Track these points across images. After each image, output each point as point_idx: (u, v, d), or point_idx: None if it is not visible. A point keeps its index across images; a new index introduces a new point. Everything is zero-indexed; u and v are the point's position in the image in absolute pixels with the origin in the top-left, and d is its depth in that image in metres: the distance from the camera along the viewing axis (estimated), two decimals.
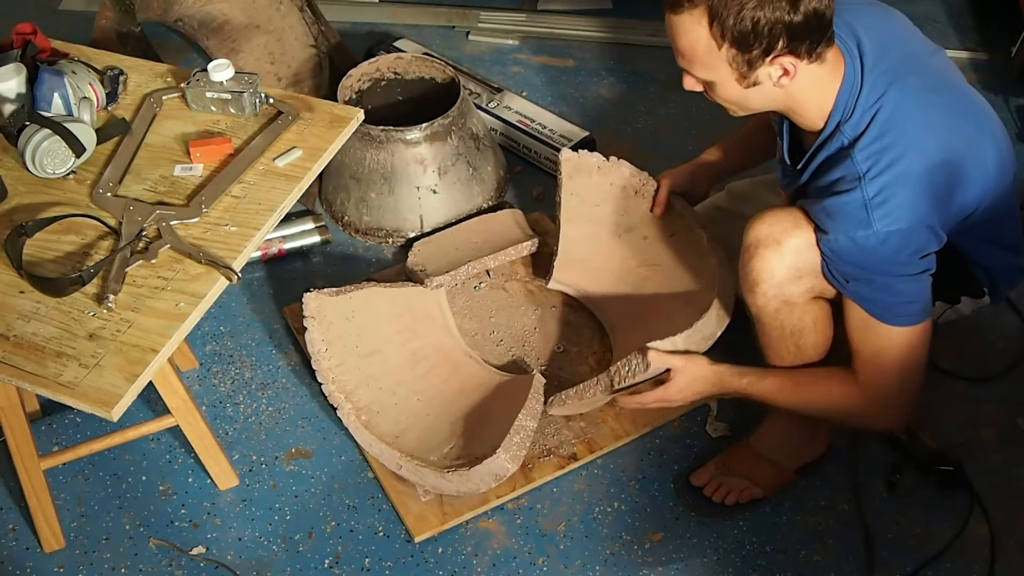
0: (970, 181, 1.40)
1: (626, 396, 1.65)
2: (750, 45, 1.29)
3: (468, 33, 2.88)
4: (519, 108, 2.45)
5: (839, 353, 1.54)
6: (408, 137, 2.08)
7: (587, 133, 2.38)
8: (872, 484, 1.73)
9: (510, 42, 2.85)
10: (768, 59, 1.31)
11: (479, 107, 2.45)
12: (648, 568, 1.64)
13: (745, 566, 1.64)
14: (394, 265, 2.16)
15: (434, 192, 2.15)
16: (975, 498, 1.69)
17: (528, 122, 2.41)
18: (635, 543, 1.67)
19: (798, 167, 1.48)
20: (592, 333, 1.98)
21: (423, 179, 2.14)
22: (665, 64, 2.75)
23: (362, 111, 1.63)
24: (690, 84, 1.42)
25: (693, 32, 1.31)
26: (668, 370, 1.60)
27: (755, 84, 1.35)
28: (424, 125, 2.08)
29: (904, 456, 1.74)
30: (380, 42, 2.70)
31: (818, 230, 1.40)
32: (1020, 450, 1.78)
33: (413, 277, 2.05)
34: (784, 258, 1.43)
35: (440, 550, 1.67)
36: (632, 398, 1.65)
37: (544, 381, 1.76)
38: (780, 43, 1.29)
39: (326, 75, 2.41)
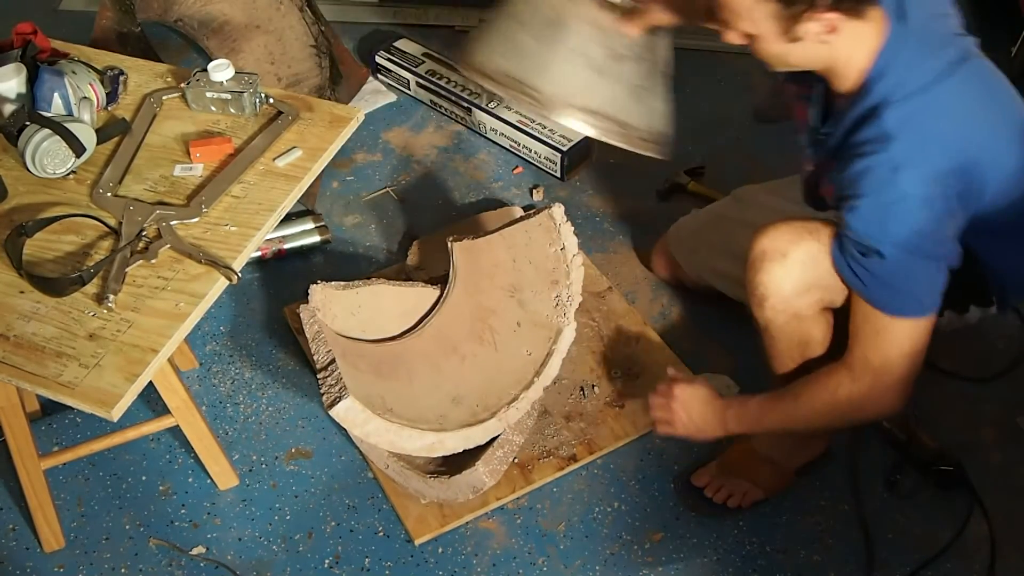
0: (988, 172, 1.38)
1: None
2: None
3: (468, 33, 2.88)
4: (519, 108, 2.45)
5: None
6: None
7: None
8: (872, 484, 1.73)
9: None
10: (812, 14, 1.29)
11: (479, 107, 2.46)
12: (648, 568, 1.64)
13: (745, 566, 1.64)
14: (393, 264, 2.16)
15: (597, 72, 1.66)
16: (975, 498, 1.69)
17: (528, 122, 2.40)
18: (635, 543, 1.67)
19: (828, 132, 1.46)
20: (592, 334, 1.98)
21: (593, 49, 1.65)
22: None
23: (362, 112, 1.63)
24: (730, 37, 1.40)
25: None
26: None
27: (797, 39, 1.33)
28: None
29: (904, 456, 1.74)
30: (380, 42, 2.70)
31: (841, 203, 1.38)
32: (1020, 450, 1.78)
33: (413, 276, 2.06)
34: (790, 271, 1.43)
35: (440, 550, 1.67)
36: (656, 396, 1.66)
37: (541, 394, 1.76)
38: None
39: (326, 75, 2.41)
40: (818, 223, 1.46)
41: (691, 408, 1.61)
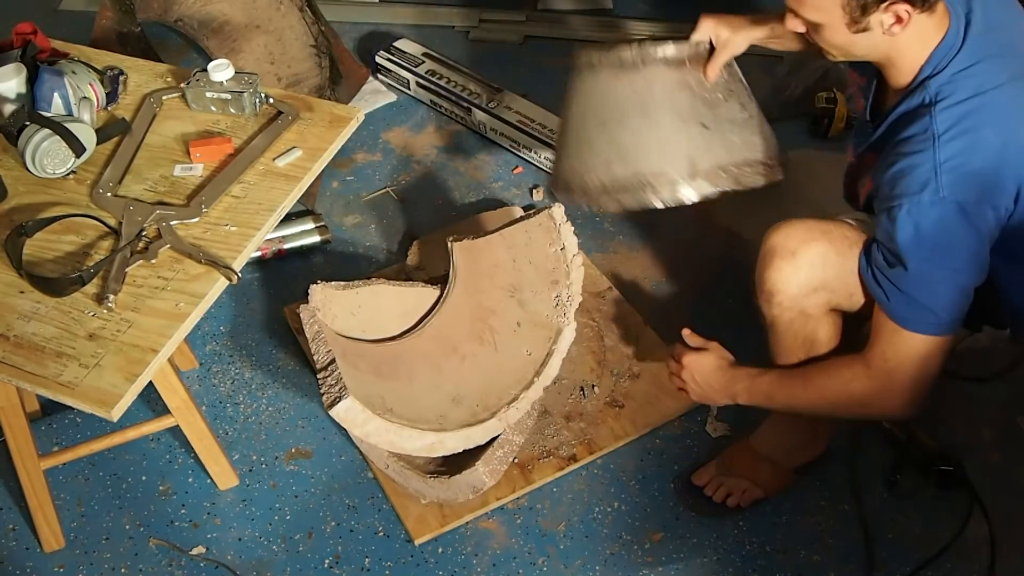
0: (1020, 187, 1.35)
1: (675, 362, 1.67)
2: None
3: (468, 33, 2.88)
4: (519, 108, 2.45)
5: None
6: (669, 55, 1.59)
7: None
8: (872, 484, 1.73)
9: (510, 42, 2.85)
10: (884, 5, 1.29)
11: (479, 107, 2.46)
12: (648, 568, 1.64)
13: (745, 566, 1.64)
14: (393, 264, 2.16)
15: (706, 128, 1.62)
16: (975, 498, 1.69)
17: (528, 122, 2.41)
18: (635, 543, 1.67)
19: (875, 124, 1.45)
20: (592, 334, 1.98)
21: (691, 109, 1.60)
22: None
23: (362, 112, 1.63)
24: (793, 24, 1.38)
25: None
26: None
27: (865, 30, 1.32)
28: (685, 41, 1.62)
29: (904, 456, 1.74)
30: (380, 42, 2.71)
31: (876, 204, 1.37)
32: (1020, 450, 1.78)
33: (413, 276, 2.06)
34: (799, 271, 1.43)
35: (440, 550, 1.67)
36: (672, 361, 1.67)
37: (541, 394, 1.76)
38: None
39: (326, 75, 2.41)
40: (834, 224, 1.46)
41: (699, 375, 1.61)
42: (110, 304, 1.30)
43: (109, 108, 1.64)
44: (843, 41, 1.36)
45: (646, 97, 1.56)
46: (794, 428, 1.68)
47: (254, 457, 1.81)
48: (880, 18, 1.30)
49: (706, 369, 1.61)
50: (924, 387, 1.43)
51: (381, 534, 1.69)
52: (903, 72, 1.38)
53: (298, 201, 1.56)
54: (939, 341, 1.39)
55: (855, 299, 1.45)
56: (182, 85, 1.63)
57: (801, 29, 1.39)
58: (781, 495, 1.72)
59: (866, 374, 1.43)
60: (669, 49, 1.56)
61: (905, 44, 1.34)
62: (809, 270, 1.43)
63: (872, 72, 1.46)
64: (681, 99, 1.56)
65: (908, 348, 1.39)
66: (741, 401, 1.58)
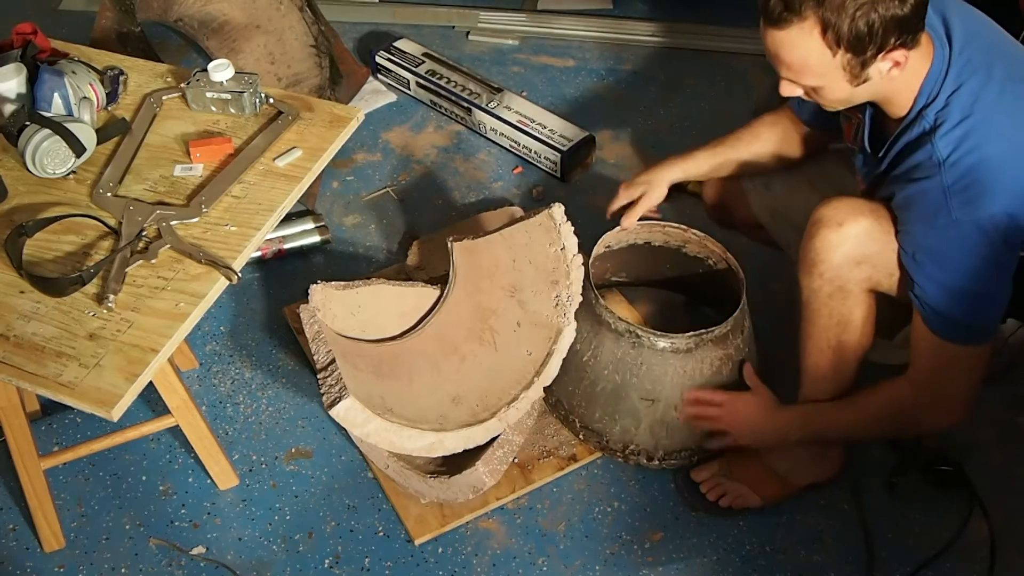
0: None
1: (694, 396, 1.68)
2: (865, 47, 1.29)
3: (468, 33, 2.88)
4: (519, 108, 2.45)
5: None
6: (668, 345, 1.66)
7: (587, 133, 2.39)
8: (872, 484, 1.73)
9: (510, 42, 2.85)
10: (881, 55, 1.31)
11: (479, 107, 2.46)
12: (648, 568, 1.64)
13: (745, 566, 1.64)
14: (393, 264, 2.16)
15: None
16: (975, 498, 1.69)
17: (528, 122, 2.41)
18: (635, 543, 1.67)
19: (879, 155, 1.47)
20: None
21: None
22: (665, 64, 2.75)
23: (362, 112, 1.63)
24: (789, 91, 1.40)
25: (803, 44, 1.30)
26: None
27: (865, 81, 1.34)
28: (695, 334, 1.66)
29: (904, 457, 1.74)
30: (380, 42, 2.71)
31: (898, 224, 1.40)
32: (1020, 450, 1.78)
33: (413, 276, 2.06)
34: (844, 240, 1.44)
35: (440, 550, 1.67)
36: (695, 399, 1.67)
37: (542, 394, 1.76)
38: (892, 38, 1.29)
39: (326, 75, 2.41)
40: (883, 206, 1.46)
41: (743, 417, 1.65)
42: (110, 304, 1.30)
43: (109, 108, 1.64)
44: (845, 96, 1.38)
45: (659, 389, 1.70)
46: (807, 447, 1.67)
47: (254, 457, 1.81)
48: (879, 67, 1.33)
49: (753, 411, 1.64)
50: (970, 396, 1.47)
51: (381, 534, 1.69)
52: (900, 106, 1.40)
53: (298, 201, 1.56)
54: (977, 350, 1.42)
55: (895, 279, 1.47)
56: (182, 85, 1.63)
57: (799, 93, 1.40)
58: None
59: (912, 389, 1.47)
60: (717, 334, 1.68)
61: (901, 82, 1.37)
62: (855, 242, 1.44)
63: (865, 107, 1.47)
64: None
65: (946, 360, 1.42)
66: (794, 439, 1.62)
